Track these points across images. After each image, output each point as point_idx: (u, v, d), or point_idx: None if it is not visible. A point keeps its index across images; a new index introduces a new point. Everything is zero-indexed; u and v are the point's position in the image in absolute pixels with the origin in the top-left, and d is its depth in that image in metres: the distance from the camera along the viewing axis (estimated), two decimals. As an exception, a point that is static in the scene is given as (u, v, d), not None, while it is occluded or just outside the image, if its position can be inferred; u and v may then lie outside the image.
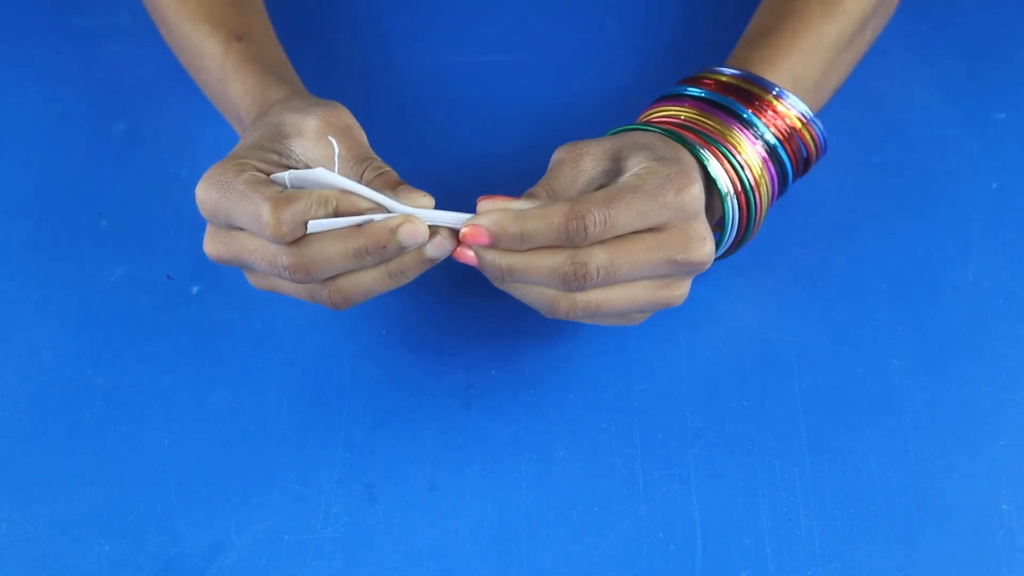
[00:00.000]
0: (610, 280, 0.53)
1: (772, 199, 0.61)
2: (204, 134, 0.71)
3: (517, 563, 0.57)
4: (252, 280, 0.58)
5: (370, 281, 0.54)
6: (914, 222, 0.68)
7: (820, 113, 0.65)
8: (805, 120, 0.61)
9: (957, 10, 0.76)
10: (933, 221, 0.68)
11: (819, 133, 0.61)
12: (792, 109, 0.60)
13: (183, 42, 0.67)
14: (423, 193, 0.54)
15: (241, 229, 0.54)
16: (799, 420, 0.61)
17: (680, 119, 0.59)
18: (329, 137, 0.55)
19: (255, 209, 0.52)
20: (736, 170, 0.58)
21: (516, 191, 0.69)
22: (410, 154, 0.71)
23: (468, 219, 0.53)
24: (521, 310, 0.59)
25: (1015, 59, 0.74)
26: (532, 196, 0.54)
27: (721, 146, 0.58)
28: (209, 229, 0.56)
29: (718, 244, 0.60)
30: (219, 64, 0.64)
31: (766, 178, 0.59)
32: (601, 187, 0.55)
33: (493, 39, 0.77)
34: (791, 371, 0.62)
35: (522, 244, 0.52)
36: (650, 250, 0.53)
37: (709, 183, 0.57)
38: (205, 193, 0.54)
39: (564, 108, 0.73)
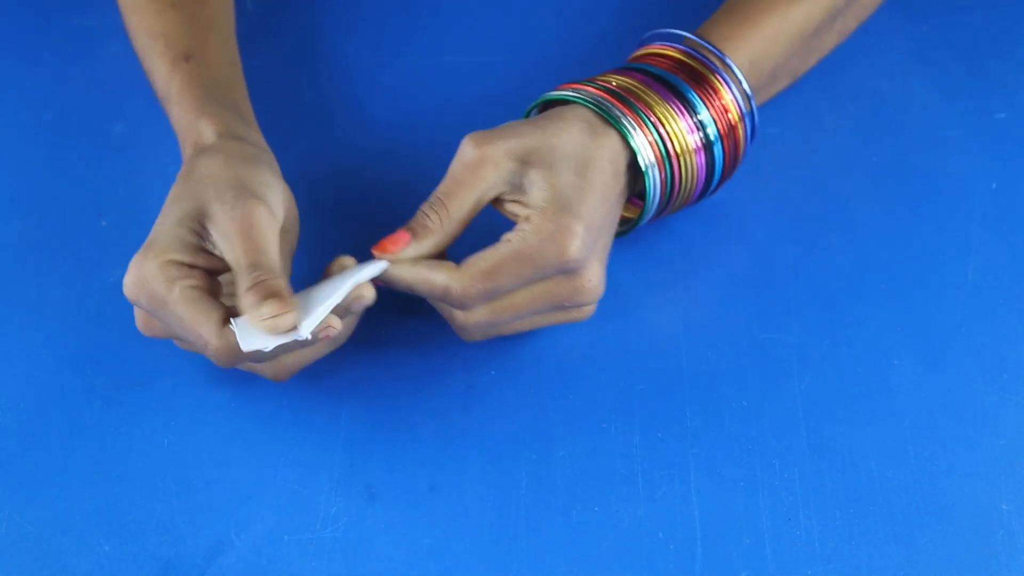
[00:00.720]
0: (498, 329, 0.58)
1: (699, 187, 0.61)
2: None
3: (517, 563, 0.57)
4: (182, 346, 0.60)
5: (308, 355, 0.59)
6: (914, 222, 0.68)
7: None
8: (741, 113, 0.61)
9: (957, 10, 0.76)
10: (933, 221, 0.68)
11: (749, 129, 0.62)
12: (730, 94, 0.60)
13: (140, 56, 0.67)
14: (285, 308, 0.52)
15: None
16: (799, 420, 0.61)
17: (612, 86, 0.60)
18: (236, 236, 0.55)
19: (199, 339, 0.54)
20: (658, 142, 0.59)
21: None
22: (409, 154, 0.71)
23: (357, 280, 0.55)
24: (521, 310, 0.59)
25: (1015, 59, 0.74)
26: (426, 230, 0.56)
27: (646, 116, 0.59)
28: (138, 312, 0.58)
29: (640, 217, 0.61)
30: (164, 84, 0.64)
31: (692, 158, 0.60)
32: (498, 197, 0.57)
33: (492, 39, 0.77)
34: (791, 371, 0.62)
35: (410, 292, 0.57)
36: (533, 300, 0.57)
37: (633, 154, 0.59)
38: (136, 296, 0.55)
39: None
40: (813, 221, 0.68)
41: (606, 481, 0.59)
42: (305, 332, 0.52)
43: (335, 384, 0.62)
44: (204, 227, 0.56)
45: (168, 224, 0.56)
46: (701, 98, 0.60)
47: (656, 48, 0.63)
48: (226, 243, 0.55)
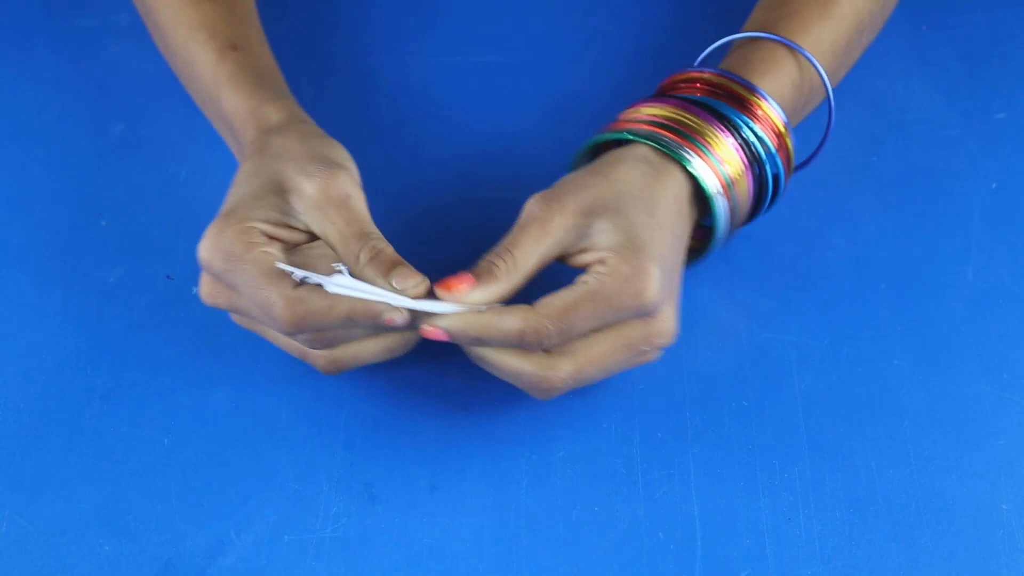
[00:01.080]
0: (580, 381, 0.55)
1: (753, 204, 0.61)
2: (204, 134, 0.71)
3: (517, 563, 0.57)
4: (237, 320, 0.59)
5: (366, 352, 0.57)
6: (914, 222, 0.68)
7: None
8: (785, 124, 0.60)
9: (957, 10, 0.76)
10: (933, 221, 0.68)
11: (794, 144, 0.61)
12: (774, 112, 0.60)
13: (176, 48, 0.66)
14: (417, 277, 0.54)
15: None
16: (799, 420, 0.61)
17: (659, 118, 0.59)
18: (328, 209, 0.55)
19: (266, 300, 0.53)
20: (719, 168, 0.58)
21: (515, 192, 0.69)
22: (409, 154, 0.71)
23: (432, 314, 0.54)
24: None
25: (1015, 59, 0.74)
26: (491, 276, 0.54)
27: (702, 145, 0.58)
28: (206, 277, 0.56)
29: (707, 246, 0.60)
30: (212, 73, 0.63)
31: (746, 177, 0.59)
32: (565, 252, 0.56)
33: (492, 39, 0.77)
34: (791, 371, 0.62)
35: (481, 345, 0.54)
36: (614, 350, 0.55)
37: (696, 184, 0.58)
38: (210, 258, 0.54)
39: (563, 108, 0.73)
40: (813, 221, 0.68)
41: (606, 481, 0.59)
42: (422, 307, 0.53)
43: (335, 384, 0.62)
44: (287, 199, 0.55)
45: (247, 196, 0.55)
46: (746, 115, 0.59)
47: (684, 75, 0.62)
48: (319, 214, 0.54)
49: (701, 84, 0.61)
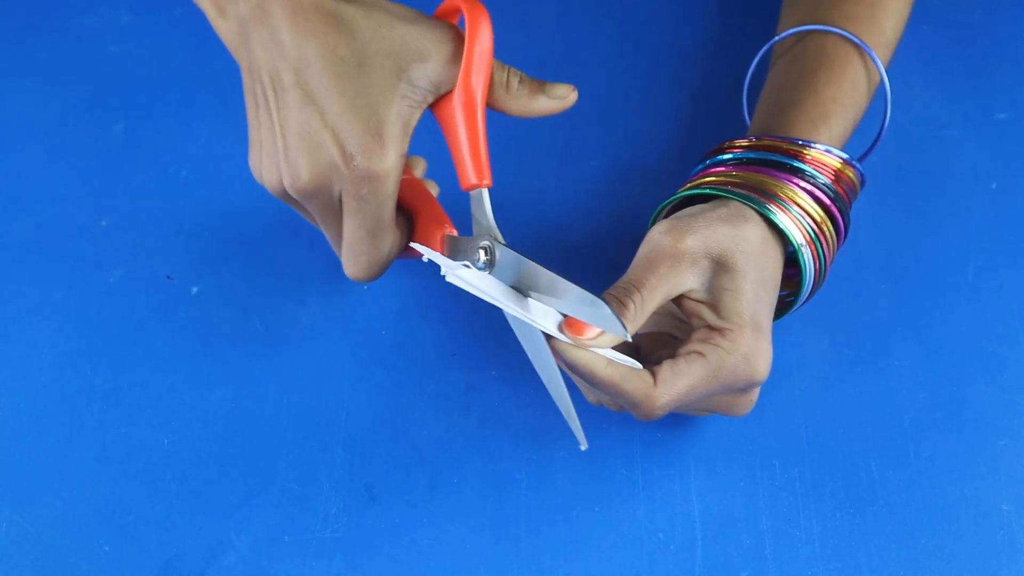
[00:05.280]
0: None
1: (839, 242, 0.60)
2: (204, 134, 0.71)
3: (517, 563, 0.57)
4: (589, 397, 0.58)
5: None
6: (914, 222, 0.68)
7: None
8: (844, 160, 0.59)
9: (957, 10, 0.76)
10: (933, 221, 0.68)
11: (859, 170, 0.60)
12: (829, 154, 0.59)
13: None
14: (567, 86, 0.56)
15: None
16: (799, 420, 0.61)
17: (737, 180, 0.58)
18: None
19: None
20: (799, 221, 0.57)
21: (515, 193, 0.69)
22: (409, 152, 0.71)
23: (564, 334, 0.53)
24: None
25: (1015, 59, 0.74)
26: (623, 307, 0.52)
27: (781, 200, 0.57)
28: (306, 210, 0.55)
29: (795, 301, 0.59)
30: None
31: (828, 224, 0.58)
32: (688, 293, 0.54)
33: (497, 45, 0.76)
34: (791, 371, 0.62)
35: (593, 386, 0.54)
36: (707, 404, 0.56)
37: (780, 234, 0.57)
38: (387, 177, 0.52)
39: (569, 111, 0.72)
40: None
41: (606, 481, 0.59)
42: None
43: (335, 384, 0.62)
44: (408, 75, 0.52)
45: (387, 103, 0.52)
46: (800, 161, 0.58)
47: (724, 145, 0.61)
48: (455, 66, 0.53)
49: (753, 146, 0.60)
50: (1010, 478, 0.59)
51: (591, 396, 0.57)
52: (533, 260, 0.52)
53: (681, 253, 0.54)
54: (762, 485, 0.59)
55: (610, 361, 0.52)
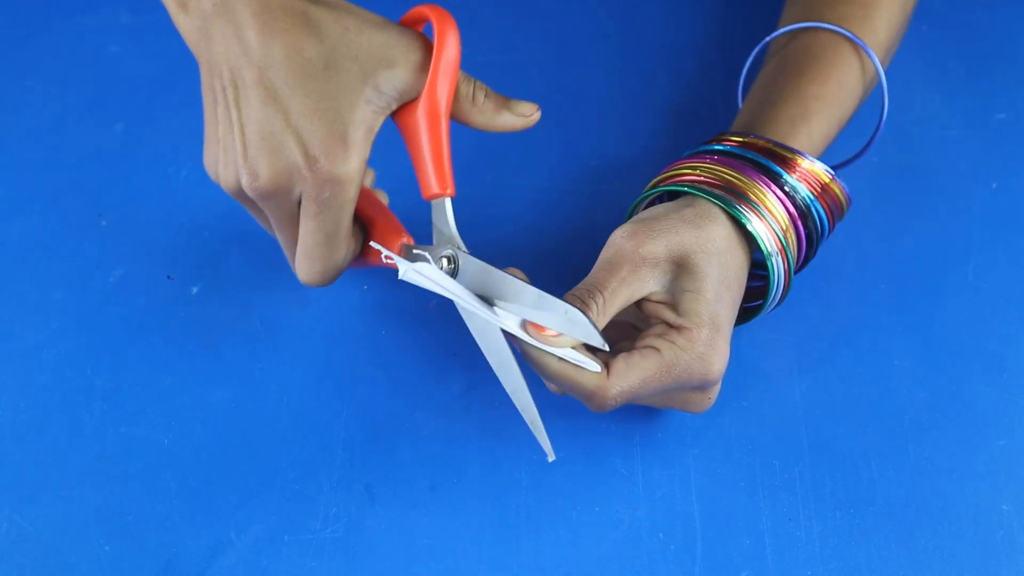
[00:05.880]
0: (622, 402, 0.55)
1: (800, 257, 0.60)
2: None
3: (517, 563, 0.57)
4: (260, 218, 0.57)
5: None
6: (914, 222, 0.68)
7: None
8: (831, 175, 0.59)
9: (957, 10, 0.76)
10: (933, 221, 0.68)
11: (844, 187, 0.60)
12: (816, 165, 0.59)
13: None
14: (531, 105, 0.57)
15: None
16: (799, 420, 0.61)
17: (713, 176, 0.58)
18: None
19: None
20: (772, 227, 0.57)
21: (515, 191, 0.69)
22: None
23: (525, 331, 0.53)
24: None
25: (1015, 59, 0.74)
26: (585, 308, 0.53)
27: (752, 202, 0.57)
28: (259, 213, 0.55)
29: (762, 307, 0.59)
30: None
31: (791, 233, 0.58)
32: (649, 296, 0.55)
33: (493, 39, 0.77)
34: (791, 371, 0.62)
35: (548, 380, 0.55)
36: (655, 401, 0.57)
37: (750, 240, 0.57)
38: (351, 180, 0.52)
39: (566, 107, 0.73)
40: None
41: (606, 481, 0.59)
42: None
43: (335, 384, 0.62)
44: (376, 81, 0.52)
45: (351, 107, 0.51)
46: (784, 169, 0.58)
47: (725, 135, 0.61)
48: (423, 75, 0.53)
49: (743, 143, 0.60)
50: (1010, 478, 0.59)
51: (553, 387, 0.57)
52: (500, 269, 0.53)
53: (642, 258, 0.54)
54: (762, 485, 0.59)
55: (562, 361, 0.53)
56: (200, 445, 0.61)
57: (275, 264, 0.66)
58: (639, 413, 0.61)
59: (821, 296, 0.65)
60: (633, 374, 0.53)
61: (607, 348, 0.51)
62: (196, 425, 0.61)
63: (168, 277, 0.66)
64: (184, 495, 0.59)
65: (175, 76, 0.74)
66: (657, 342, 0.54)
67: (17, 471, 0.60)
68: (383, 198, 0.62)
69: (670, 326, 0.54)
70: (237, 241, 0.67)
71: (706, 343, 0.53)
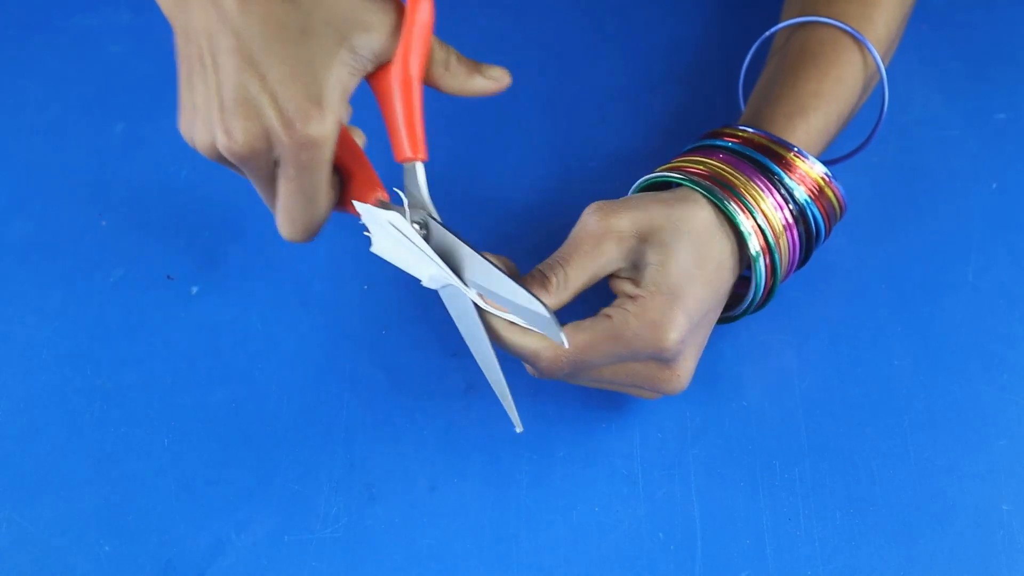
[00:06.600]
0: (574, 380, 0.56)
1: (794, 261, 0.59)
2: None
3: (517, 563, 0.57)
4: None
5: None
6: (914, 222, 0.68)
7: None
8: (828, 178, 0.59)
9: (957, 10, 0.76)
10: (933, 221, 0.68)
11: (841, 191, 0.60)
12: (814, 168, 0.59)
13: None
14: (501, 69, 0.56)
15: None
16: (799, 420, 0.61)
17: (707, 171, 0.58)
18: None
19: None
20: (761, 227, 0.57)
21: (515, 191, 0.69)
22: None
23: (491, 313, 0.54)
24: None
25: (1015, 59, 0.74)
26: (543, 290, 0.54)
27: (745, 200, 0.56)
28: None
29: (741, 303, 0.59)
30: None
31: (785, 237, 0.58)
32: (615, 274, 0.55)
33: (493, 40, 0.76)
34: (791, 371, 0.62)
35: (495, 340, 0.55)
36: (618, 373, 0.56)
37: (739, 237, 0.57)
38: (324, 140, 0.52)
39: (566, 107, 0.73)
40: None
41: (606, 481, 0.59)
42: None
43: (335, 384, 0.62)
44: (351, 43, 0.52)
45: (326, 69, 0.51)
46: (783, 170, 0.58)
47: (726, 130, 0.61)
48: (394, 39, 0.53)
49: (744, 140, 0.60)
50: (1010, 478, 0.59)
51: (531, 370, 0.57)
52: (470, 245, 0.53)
53: (605, 231, 0.55)
54: (762, 485, 0.59)
55: (517, 335, 0.54)
56: (200, 445, 0.61)
57: (275, 263, 0.66)
58: (639, 413, 0.61)
59: (821, 296, 0.65)
60: (580, 336, 0.53)
61: (567, 345, 0.52)
62: (196, 425, 0.61)
63: (168, 277, 0.66)
64: (184, 495, 0.59)
65: (175, 76, 0.74)
66: (610, 310, 0.54)
67: (17, 471, 0.60)
68: (359, 138, 0.61)
69: (628, 297, 0.54)
70: (237, 241, 0.67)
71: (659, 310, 0.53)
